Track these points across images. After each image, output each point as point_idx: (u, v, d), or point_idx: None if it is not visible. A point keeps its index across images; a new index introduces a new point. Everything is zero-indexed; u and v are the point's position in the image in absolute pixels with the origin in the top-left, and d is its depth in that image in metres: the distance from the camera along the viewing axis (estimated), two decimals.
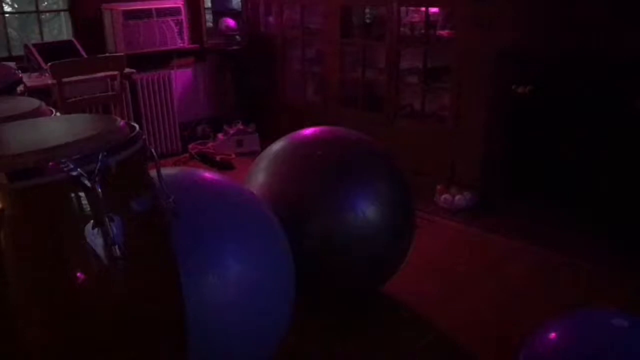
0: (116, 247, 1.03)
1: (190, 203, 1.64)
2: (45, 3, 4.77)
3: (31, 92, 3.34)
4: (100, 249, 1.02)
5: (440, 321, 2.24)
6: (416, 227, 2.34)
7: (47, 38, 4.37)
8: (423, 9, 3.49)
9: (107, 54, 4.07)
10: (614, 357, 1.65)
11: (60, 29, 4.52)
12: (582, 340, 1.75)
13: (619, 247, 2.62)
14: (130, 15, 4.13)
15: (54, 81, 3.20)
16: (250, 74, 4.70)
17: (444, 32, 3.47)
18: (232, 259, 1.64)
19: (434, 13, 3.53)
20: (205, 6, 4.68)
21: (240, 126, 4.44)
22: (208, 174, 1.95)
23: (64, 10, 4.37)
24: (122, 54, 3.83)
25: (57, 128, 1.28)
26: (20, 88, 3.35)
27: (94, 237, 1.01)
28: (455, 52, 3.29)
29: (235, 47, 4.57)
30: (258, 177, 2.22)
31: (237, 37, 4.59)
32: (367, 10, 4.00)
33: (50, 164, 0.99)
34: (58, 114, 1.73)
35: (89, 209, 1.02)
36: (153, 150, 1.22)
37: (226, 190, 1.84)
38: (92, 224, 1.02)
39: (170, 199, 1.23)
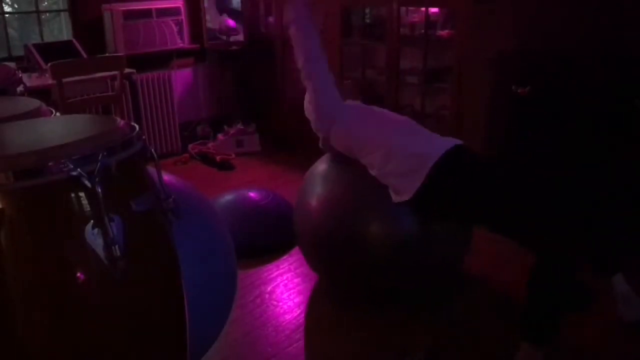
0: (116, 247, 1.02)
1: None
2: (45, 3, 4.76)
3: (31, 92, 3.34)
4: (100, 249, 1.02)
5: (439, 321, 2.24)
6: None
7: (47, 38, 4.37)
8: (423, 9, 3.49)
9: (107, 54, 4.07)
10: None
11: (60, 29, 4.51)
12: None
13: (620, 246, 2.61)
14: (130, 15, 4.13)
15: (54, 81, 3.19)
16: (250, 74, 4.70)
17: (444, 32, 3.47)
18: None
19: (434, 13, 3.53)
20: (205, 5, 4.67)
21: (240, 126, 4.44)
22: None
23: (64, 11, 4.37)
24: (122, 54, 3.84)
25: (57, 128, 1.28)
26: (20, 88, 3.36)
27: (94, 237, 1.01)
28: (455, 52, 3.29)
29: (235, 47, 4.57)
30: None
31: (237, 37, 4.59)
32: (367, 10, 4.00)
33: (50, 164, 0.98)
34: (58, 114, 1.73)
35: (89, 209, 1.01)
36: (153, 150, 1.22)
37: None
38: (92, 224, 1.01)
39: (170, 199, 1.23)
